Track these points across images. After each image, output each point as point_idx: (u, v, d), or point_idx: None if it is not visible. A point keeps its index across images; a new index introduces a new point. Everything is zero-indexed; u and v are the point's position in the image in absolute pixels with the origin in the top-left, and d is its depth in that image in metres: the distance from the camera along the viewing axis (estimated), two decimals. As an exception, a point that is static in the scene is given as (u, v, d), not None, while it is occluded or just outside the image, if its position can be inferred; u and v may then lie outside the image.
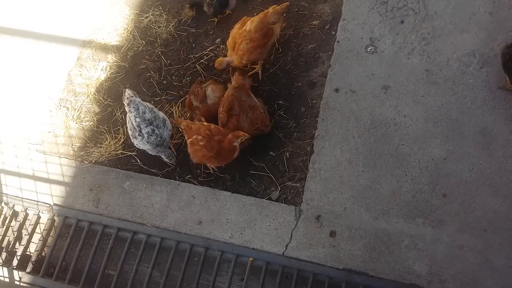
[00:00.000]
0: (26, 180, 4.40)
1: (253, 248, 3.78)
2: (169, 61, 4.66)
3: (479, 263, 3.46)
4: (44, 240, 4.19)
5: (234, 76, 4.07)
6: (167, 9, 4.91)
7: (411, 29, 4.17)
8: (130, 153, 4.32)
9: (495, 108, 3.80)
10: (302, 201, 3.85)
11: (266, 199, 3.93)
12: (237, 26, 4.17)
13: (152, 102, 4.46)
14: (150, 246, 4.00)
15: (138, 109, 3.88)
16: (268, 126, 4.03)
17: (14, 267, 4.13)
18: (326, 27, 4.40)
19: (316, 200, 3.83)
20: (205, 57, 4.56)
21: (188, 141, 3.89)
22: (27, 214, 4.36)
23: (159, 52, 4.70)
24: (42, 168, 4.40)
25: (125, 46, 4.82)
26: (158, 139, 3.90)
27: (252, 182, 4.03)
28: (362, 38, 4.24)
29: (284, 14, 4.42)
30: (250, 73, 4.32)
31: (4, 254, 4.21)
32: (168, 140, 4.02)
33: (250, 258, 3.75)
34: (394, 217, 3.67)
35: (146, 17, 4.88)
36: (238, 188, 4.04)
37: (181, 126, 4.02)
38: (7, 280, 4.13)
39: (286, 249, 3.73)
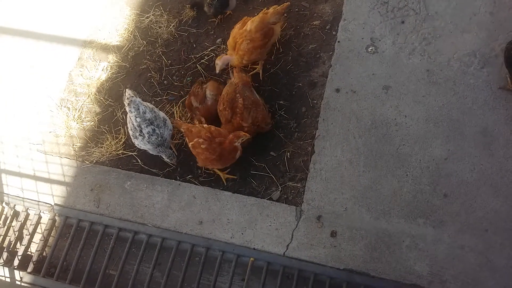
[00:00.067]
0: (27, 180, 4.40)
1: (254, 248, 3.79)
2: (170, 61, 4.66)
3: (480, 263, 3.46)
4: (45, 240, 4.19)
5: (234, 73, 4.07)
6: (168, 9, 4.91)
7: (411, 29, 4.17)
8: (131, 153, 4.32)
9: (496, 108, 3.80)
10: (303, 201, 3.85)
11: (267, 199, 3.93)
12: (237, 26, 4.17)
13: (153, 102, 4.47)
14: (151, 246, 4.00)
15: (138, 109, 3.88)
16: (269, 124, 4.03)
17: (15, 267, 4.13)
18: (327, 27, 4.40)
19: (317, 200, 3.83)
20: (206, 57, 4.57)
21: (190, 144, 3.88)
22: (28, 214, 4.36)
23: (160, 52, 4.71)
24: (43, 168, 4.41)
25: (126, 46, 4.83)
26: (159, 139, 3.90)
27: (253, 182, 4.03)
28: (363, 38, 4.24)
29: (285, 14, 4.42)
30: (251, 73, 4.32)
31: (5, 254, 4.22)
32: (169, 140, 4.02)
33: (251, 258, 3.76)
34: (395, 217, 3.67)
35: (147, 17, 4.89)
36: (239, 188, 4.04)
37: (182, 129, 4.02)
38: (8, 280, 4.14)
39: (287, 249, 3.73)
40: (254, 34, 3.99)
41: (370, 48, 4.20)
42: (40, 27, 5.07)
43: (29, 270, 4.09)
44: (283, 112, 4.20)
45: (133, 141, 4.05)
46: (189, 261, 3.87)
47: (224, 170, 4.07)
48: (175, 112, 4.37)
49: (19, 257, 4.17)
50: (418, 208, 3.66)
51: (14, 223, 4.37)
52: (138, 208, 4.09)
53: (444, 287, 3.45)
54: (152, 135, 3.87)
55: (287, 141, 4.10)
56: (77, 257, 4.02)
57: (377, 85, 4.06)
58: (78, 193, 4.25)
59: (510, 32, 3.98)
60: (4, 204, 4.40)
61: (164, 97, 4.51)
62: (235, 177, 4.06)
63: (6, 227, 4.36)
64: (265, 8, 4.26)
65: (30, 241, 4.24)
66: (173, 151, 4.13)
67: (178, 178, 4.16)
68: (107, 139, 4.40)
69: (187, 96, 4.26)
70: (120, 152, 4.34)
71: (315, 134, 4.03)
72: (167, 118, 4.06)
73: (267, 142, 4.14)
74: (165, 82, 4.59)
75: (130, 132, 4.02)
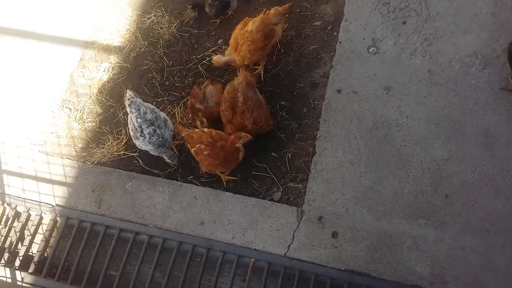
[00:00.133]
0: (28, 181, 4.41)
1: (255, 249, 3.79)
2: (171, 62, 4.66)
3: (482, 264, 3.46)
4: (46, 240, 4.20)
5: (240, 72, 4.07)
6: (169, 10, 4.91)
7: (413, 30, 4.17)
8: (132, 154, 4.32)
9: (497, 109, 3.80)
10: (304, 202, 3.85)
11: (268, 200, 3.93)
12: (239, 26, 4.17)
13: (154, 103, 4.47)
14: (152, 247, 4.00)
15: (139, 110, 3.89)
16: (270, 126, 4.03)
17: (17, 268, 4.14)
18: (328, 28, 4.40)
19: (318, 201, 3.83)
20: (207, 58, 4.56)
21: (192, 151, 3.88)
22: (29, 215, 4.36)
23: (161, 53, 4.71)
24: (45, 169, 4.41)
25: (127, 47, 4.83)
26: (160, 139, 3.90)
27: (254, 183, 4.03)
28: (364, 39, 4.24)
29: (286, 15, 4.42)
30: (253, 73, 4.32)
31: (6, 255, 4.22)
32: (170, 140, 4.02)
33: (252, 259, 3.75)
34: (396, 218, 3.67)
35: (148, 18, 4.89)
36: (240, 189, 4.04)
37: (182, 135, 4.01)
38: (9, 280, 4.14)
39: (288, 250, 3.73)
40: (255, 35, 3.99)
41: (372, 49, 4.20)
42: (41, 27, 5.08)
43: (30, 270, 4.09)
44: (284, 112, 4.20)
45: (134, 141, 4.05)
46: (190, 261, 3.87)
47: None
48: (176, 113, 4.37)
49: (20, 258, 4.17)
50: (419, 209, 3.66)
51: (15, 224, 4.38)
52: (139, 208, 4.09)
53: (445, 287, 3.45)
54: (153, 135, 3.88)
55: (288, 142, 4.09)
56: (78, 257, 4.02)
57: (378, 86, 4.06)
58: (80, 193, 4.25)
59: (511, 33, 3.97)
60: (5, 205, 4.41)
61: (166, 98, 4.52)
62: (236, 178, 4.06)
63: (7, 227, 4.36)
64: (265, 9, 4.26)
65: (31, 242, 4.24)
66: (174, 152, 4.14)
67: (179, 178, 4.17)
68: (109, 140, 4.41)
69: (188, 97, 4.26)
70: (122, 153, 4.35)
71: (316, 134, 4.03)
72: (168, 118, 4.06)
73: (268, 143, 4.14)
74: (166, 83, 4.59)
75: (131, 133, 4.02)
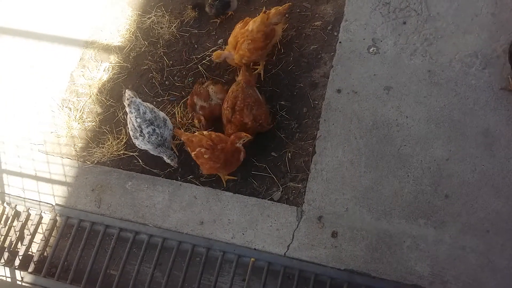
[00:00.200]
0: (28, 180, 4.41)
1: (254, 249, 3.78)
2: (171, 62, 4.66)
3: (482, 264, 3.46)
4: (46, 240, 4.20)
5: (241, 71, 4.08)
6: (169, 10, 4.91)
7: (413, 30, 4.17)
8: (132, 154, 4.32)
9: (498, 109, 3.80)
10: (304, 202, 3.84)
11: (268, 200, 3.92)
12: (239, 25, 4.17)
13: (154, 102, 4.47)
14: (152, 246, 4.00)
15: (138, 109, 3.89)
16: (270, 124, 4.04)
17: (16, 267, 4.14)
18: (328, 28, 4.40)
19: (318, 200, 3.82)
20: (207, 58, 4.57)
21: (193, 154, 3.88)
22: (29, 214, 4.36)
23: (162, 53, 4.71)
24: (44, 168, 4.41)
25: (127, 47, 4.83)
26: (159, 138, 3.90)
27: (254, 183, 4.03)
28: (364, 39, 4.24)
29: (286, 15, 4.42)
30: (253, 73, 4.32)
31: (6, 254, 4.22)
32: (170, 140, 4.02)
33: (252, 259, 3.75)
34: (396, 218, 3.67)
35: (149, 18, 4.89)
36: (240, 189, 4.04)
37: (182, 139, 4.00)
38: (9, 280, 4.14)
39: (287, 249, 3.73)
40: (255, 34, 3.99)
41: (372, 49, 4.20)
42: (41, 27, 5.08)
43: (30, 270, 4.09)
44: (284, 112, 4.20)
45: (133, 141, 4.05)
46: (190, 261, 3.87)
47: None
48: (176, 112, 4.37)
49: (20, 257, 4.17)
50: (419, 209, 3.66)
51: (15, 223, 4.38)
52: (139, 208, 4.09)
53: (445, 287, 3.44)
54: (152, 135, 3.88)
55: (288, 142, 4.09)
56: (78, 257, 4.02)
57: (378, 86, 4.06)
58: (79, 193, 4.25)
59: (511, 33, 3.98)
60: (5, 204, 4.41)
61: (166, 98, 4.52)
62: (235, 178, 4.06)
63: (7, 227, 4.36)
64: (263, 8, 4.26)
65: (31, 241, 4.24)
66: (174, 151, 4.13)
67: (179, 178, 4.17)
68: (108, 139, 4.41)
69: (189, 96, 4.26)
70: (121, 152, 4.35)
71: (316, 134, 4.03)
72: (167, 118, 4.07)
73: (268, 143, 4.14)
74: (166, 82, 4.59)
75: (131, 133, 4.02)
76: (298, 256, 3.70)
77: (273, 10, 4.08)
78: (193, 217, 3.98)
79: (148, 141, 3.90)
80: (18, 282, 4.09)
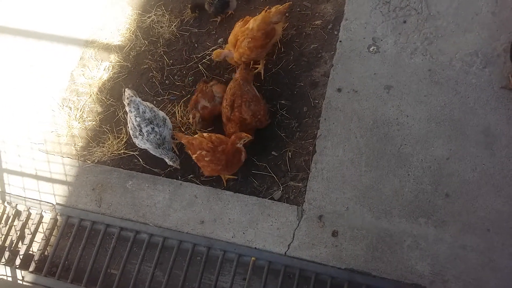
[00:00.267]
0: (28, 180, 4.41)
1: (255, 248, 3.79)
2: (171, 61, 4.66)
3: (482, 263, 3.46)
4: (46, 239, 4.20)
5: (239, 69, 4.09)
6: (169, 9, 4.91)
7: (413, 29, 4.17)
8: (132, 153, 4.32)
9: (498, 108, 3.80)
10: (304, 201, 3.85)
11: (269, 199, 3.93)
12: (239, 23, 4.17)
13: (154, 102, 4.47)
14: (152, 246, 4.01)
15: (138, 108, 3.90)
16: (268, 120, 4.04)
17: (17, 266, 4.14)
18: (329, 27, 4.40)
19: (318, 200, 3.83)
20: (207, 57, 4.56)
21: (193, 157, 3.88)
22: (29, 214, 4.36)
23: (162, 52, 4.71)
24: (45, 168, 4.41)
25: (127, 46, 4.83)
26: (158, 137, 3.90)
27: (255, 182, 4.03)
28: (364, 38, 4.24)
29: (287, 14, 4.42)
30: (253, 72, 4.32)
31: (7, 253, 4.22)
32: (170, 139, 4.02)
33: (253, 258, 3.76)
34: (396, 217, 3.67)
35: (149, 17, 4.89)
36: (240, 188, 4.04)
37: (182, 142, 4.00)
38: (10, 279, 4.14)
39: (288, 248, 3.73)
40: (256, 32, 3.99)
41: (372, 48, 4.20)
42: (41, 26, 5.08)
43: (30, 269, 4.09)
44: (284, 111, 4.20)
45: (133, 140, 4.05)
46: (190, 260, 3.87)
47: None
48: (176, 111, 4.37)
49: (21, 256, 4.18)
50: (419, 208, 3.66)
51: (15, 223, 4.39)
52: (139, 207, 4.10)
53: (445, 286, 3.45)
54: (150, 133, 3.88)
55: (288, 141, 4.09)
56: (78, 256, 4.03)
57: (378, 85, 4.06)
58: (80, 192, 4.26)
59: (512, 32, 3.98)
60: (6, 204, 4.41)
61: (166, 97, 4.52)
62: (236, 177, 4.06)
63: (8, 226, 4.37)
64: (267, 7, 4.25)
65: (31, 241, 4.25)
66: (175, 151, 4.14)
67: (179, 177, 4.17)
68: (109, 138, 4.41)
69: (195, 92, 4.24)
70: (122, 151, 4.35)
71: (317, 133, 4.03)
72: (167, 117, 4.06)
73: (268, 142, 4.14)
74: (166, 81, 4.59)
75: (130, 132, 4.03)
76: (299, 255, 3.70)
77: (273, 9, 4.08)
78: (193, 216, 3.98)
79: (147, 140, 3.90)
80: (19, 281, 4.10)
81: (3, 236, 4.34)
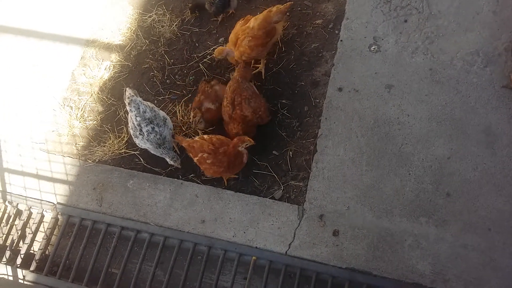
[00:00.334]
0: (29, 179, 4.41)
1: (256, 247, 3.79)
2: (172, 60, 4.66)
3: (483, 262, 3.46)
4: (47, 238, 4.21)
5: (238, 67, 4.10)
6: (170, 9, 4.91)
7: (414, 28, 4.16)
8: (133, 152, 4.32)
9: (499, 107, 3.79)
10: (305, 200, 3.84)
11: (269, 198, 3.93)
12: (240, 22, 4.17)
13: (155, 101, 4.47)
14: (153, 245, 4.01)
15: (138, 108, 3.90)
16: (269, 116, 4.04)
17: (18, 266, 4.15)
18: (330, 26, 4.40)
19: (319, 199, 3.82)
20: (208, 56, 4.57)
21: (195, 160, 3.87)
22: (30, 213, 4.37)
23: (163, 52, 4.71)
24: (46, 167, 4.42)
25: (128, 46, 4.83)
26: (158, 137, 3.90)
27: (255, 181, 4.03)
28: (365, 37, 4.24)
29: (288, 13, 4.41)
30: (253, 72, 4.31)
31: (8, 253, 4.23)
32: (170, 139, 4.02)
33: (253, 257, 3.76)
34: (397, 216, 3.67)
35: (150, 17, 4.89)
36: (241, 187, 4.04)
37: (183, 145, 3.98)
38: (11, 278, 4.15)
39: (289, 248, 3.73)
40: (256, 31, 3.99)
41: (373, 47, 4.19)
42: (43, 26, 5.08)
43: (31, 268, 4.10)
44: (285, 111, 4.20)
45: (134, 140, 4.05)
46: (191, 259, 3.87)
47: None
48: (177, 111, 4.37)
49: (22, 256, 4.18)
50: (420, 207, 3.66)
51: (17, 222, 4.39)
52: (140, 207, 4.10)
53: (446, 286, 3.44)
54: (151, 133, 3.88)
55: (289, 140, 4.09)
56: (79, 255, 4.03)
57: (379, 84, 4.06)
58: (81, 192, 4.26)
59: (513, 31, 3.98)
60: (7, 203, 4.42)
61: (167, 96, 4.52)
62: (236, 177, 4.06)
63: (9, 225, 4.37)
64: (271, 7, 4.26)
65: (32, 240, 4.25)
66: (176, 150, 4.13)
67: (180, 177, 4.17)
68: (110, 138, 4.41)
69: (197, 94, 4.24)
70: (123, 151, 4.35)
71: (318, 133, 4.02)
72: (168, 117, 4.06)
73: (269, 141, 4.13)
74: (167, 81, 4.59)
75: (131, 131, 4.03)
76: (300, 254, 3.70)
77: (274, 9, 4.08)
78: (194, 216, 3.98)
79: (147, 140, 3.90)
80: (20, 281, 4.10)
81: (4, 235, 4.35)
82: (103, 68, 4.80)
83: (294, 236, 3.76)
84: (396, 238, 3.61)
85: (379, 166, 3.82)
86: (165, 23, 4.80)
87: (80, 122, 4.57)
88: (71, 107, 4.65)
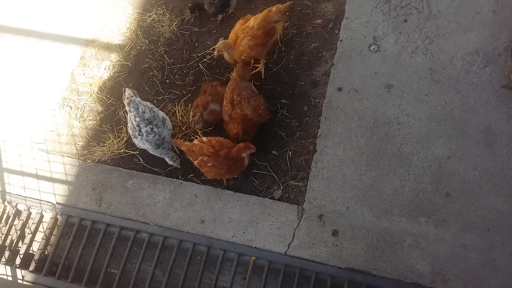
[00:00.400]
0: (29, 179, 4.41)
1: (255, 247, 3.78)
2: (172, 60, 4.66)
3: (483, 262, 3.45)
4: (47, 238, 4.20)
5: (237, 67, 4.10)
6: (170, 8, 4.91)
7: (414, 28, 4.16)
8: (133, 152, 4.32)
9: (499, 107, 3.79)
10: (304, 200, 3.84)
11: (269, 198, 3.92)
12: (240, 21, 4.16)
13: (155, 101, 4.47)
14: (152, 245, 4.01)
15: (137, 108, 3.90)
16: (268, 115, 4.03)
17: (17, 266, 4.14)
18: (329, 26, 4.39)
19: (318, 199, 3.82)
20: (208, 56, 4.56)
21: (195, 163, 3.86)
22: (30, 213, 4.36)
23: (162, 51, 4.71)
24: (45, 167, 4.41)
25: (128, 45, 4.83)
26: (157, 137, 3.90)
27: (255, 181, 4.02)
28: (365, 37, 4.23)
29: (287, 13, 4.41)
30: (253, 72, 4.32)
31: (7, 253, 4.22)
32: (169, 139, 4.01)
33: (253, 257, 3.75)
34: (397, 216, 3.66)
35: (149, 16, 4.89)
36: (240, 187, 4.04)
37: (182, 149, 3.96)
38: (10, 278, 4.14)
39: (288, 248, 3.73)
40: (256, 31, 3.98)
41: (373, 47, 4.19)
42: (42, 26, 5.08)
43: (31, 268, 4.09)
44: (285, 111, 4.19)
45: (133, 140, 4.05)
46: (190, 260, 3.87)
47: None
48: (177, 111, 4.37)
49: (21, 256, 4.17)
50: (420, 207, 3.65)
51: (16, 222, 4.39)
52: (140, 207, 4.09)
53: (446, 286, 3.44)
54: (149, 133, 3.88)
55: (289, 140, 4.09)
56: (79, 255, 4.02)
57: (379, 84, 4.05)
58: (80, 192, 4.26)
59: (513, 31, 3.97)
60: (6, 203, 4.42)
61: (166, 96, 4.51)
62: (236, 176, 4.06)
63: (8, 225, 4.37)
64: (265, 6, 4.26)
65: (32, 240, 4.25)
66: (175, 151, 4.13)
67: (179, 177, 4.16)
68: (109, 138, 4.40)
69: (200, 95, 4.23)
70: (122, 151, 4.34)
71: (317, 133, 4.02)
72: (167, 118, 4.06)
73: (269, 141, 4.13)
74: (167, 81, 4.59)
75: (130, 132, 4.03)
76: (299, 254, 3.70)
77: (274, 8, 4.08)
78: (193, 216, 3.98)
79: (146, 140, 3.90)
80: (19, 281, 4.10)
81: (3, 235, 4.34)
82: (102, 68, 4.80)
83: (294, 236, 3.75)
84: (396, 238, 3.61)
85: (379, 166, 3.82)
86: (164, 23, 4.80)
87: (79, 122, 4.57)
88: (71, 107, 4.65)
